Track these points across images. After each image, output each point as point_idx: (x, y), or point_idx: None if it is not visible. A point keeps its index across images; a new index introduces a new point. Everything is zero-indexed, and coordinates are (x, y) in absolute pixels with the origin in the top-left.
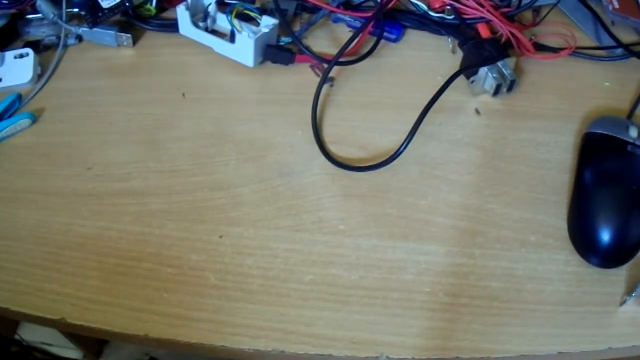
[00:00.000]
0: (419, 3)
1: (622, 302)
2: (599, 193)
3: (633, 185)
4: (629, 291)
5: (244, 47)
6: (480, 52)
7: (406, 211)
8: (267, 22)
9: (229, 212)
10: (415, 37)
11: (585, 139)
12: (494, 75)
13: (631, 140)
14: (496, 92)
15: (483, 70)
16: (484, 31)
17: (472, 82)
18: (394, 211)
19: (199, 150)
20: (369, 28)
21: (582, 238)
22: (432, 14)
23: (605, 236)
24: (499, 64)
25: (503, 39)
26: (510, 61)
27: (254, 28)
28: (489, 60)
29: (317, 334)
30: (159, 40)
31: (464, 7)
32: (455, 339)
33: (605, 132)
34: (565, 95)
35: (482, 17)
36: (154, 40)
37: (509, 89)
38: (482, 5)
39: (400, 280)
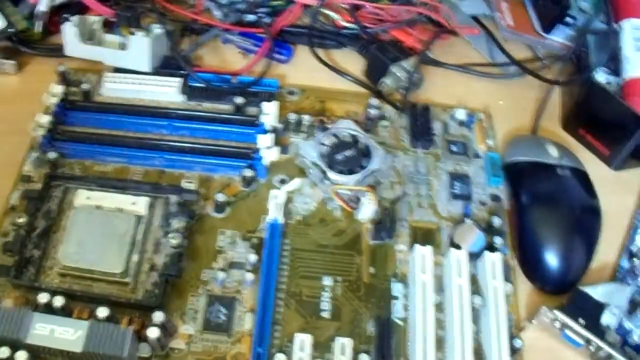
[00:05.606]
0: (332, 13)
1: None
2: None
3: (576, 210)
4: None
5: (138, 51)
6: (385, 54)
7: None
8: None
9: None
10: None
11: (510, 170)
12: (403, 74)
13: (556, 162)
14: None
15: (390, 71)
16: (408, 39)
17: (382, 84)
18: None
19: None
20: (265, 50)
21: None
22: (344, 24)
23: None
24: (403, 63)
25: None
26: (413, 59)
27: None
28: (396, 60)
29: None
30: (46, 66)
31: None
32: None
33: (527, 159)
34: None
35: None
36: (40, 65)
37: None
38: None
39: None
